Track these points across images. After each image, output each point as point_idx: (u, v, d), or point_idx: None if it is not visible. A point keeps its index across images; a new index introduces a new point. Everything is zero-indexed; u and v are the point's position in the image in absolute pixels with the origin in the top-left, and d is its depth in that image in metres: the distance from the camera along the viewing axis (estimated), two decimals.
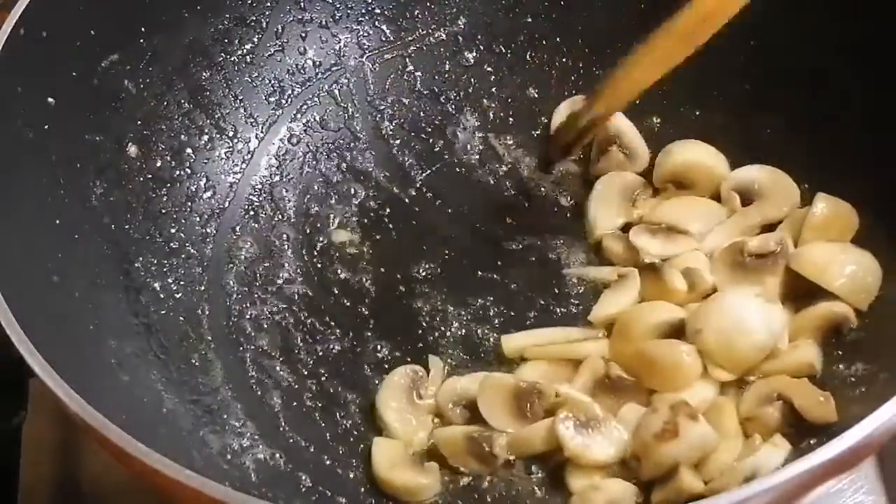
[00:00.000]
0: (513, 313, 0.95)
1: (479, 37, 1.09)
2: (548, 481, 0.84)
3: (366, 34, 1.08)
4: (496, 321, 0.94)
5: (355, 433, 0.88)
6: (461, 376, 0.89)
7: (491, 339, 0.93)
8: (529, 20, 1.09)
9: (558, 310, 0.95)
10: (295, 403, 0.90)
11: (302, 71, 1.07)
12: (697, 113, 1.02)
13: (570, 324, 0.93)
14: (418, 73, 1.09)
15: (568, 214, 1.01)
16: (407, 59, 1.09)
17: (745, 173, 0.96)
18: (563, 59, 1.08)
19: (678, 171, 0.98)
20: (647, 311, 0.90)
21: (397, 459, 0.84)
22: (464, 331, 0.94)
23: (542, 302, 0.95)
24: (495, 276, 0.97)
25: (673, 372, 0.85)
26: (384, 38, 1.09)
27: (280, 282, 0.98)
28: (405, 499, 0.84)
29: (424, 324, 0.94)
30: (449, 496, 0.84)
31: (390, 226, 1.02)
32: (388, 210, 1.03)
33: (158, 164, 0.98)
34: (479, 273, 0.97)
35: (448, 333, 0.94)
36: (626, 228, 0.97)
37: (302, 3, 1.06)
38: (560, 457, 0.82)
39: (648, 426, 0.79)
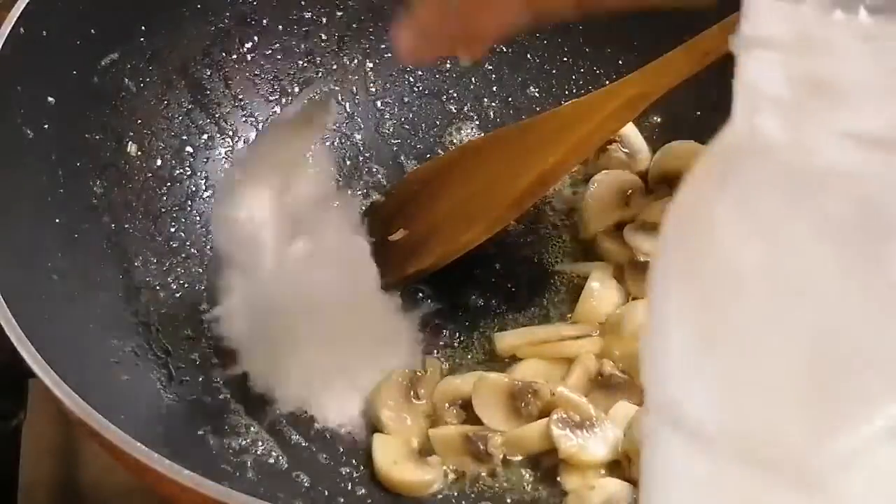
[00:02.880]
0: (508, 312, 0.95)
1: None
2: (545, 479, 0.84)
3: (367, 33, 1.08)
4: (492, 320, 0.94)
5: (354, 432, 0.88)
6: (457, 376, 0.89)
7: (486, 338, 0.93)
8: None
9: (553, 307, 0.95)
10: None
11: (302, 70, 1.07)
12: (698, 113, 1.02)
13: (564, 321, 0.93)
14: (419, 73, 1.09)
15: (564, 212, 1.01)
16: None
17: None
18: (564, 59, 1.08)
19: (673, 171, 0.98)
20: (639, 309, 0.90)
21: (399, 455, 0.84)
22: (460, 330, 0.94)
23: (537, 300, 0.95)
24: (491, 274, 0.97)
25: None
26: (385, 38, 1.09)
27: None
28: (407, 495, 0.84)
29: (421, 323, 0.94)
30: (449, 492, 0.84)
31: None
32: None
33: (158, 163, 0.98)
34: (476, 272, 0.97)
35: (444, 333, 0.94)
36: (620, 227, 0.97)
37: (303, 2, 1.06)
38: (556, 456, 0.82)
39: (640, 426, 0.79)
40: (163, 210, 0.97)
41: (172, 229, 0.97)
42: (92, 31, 0.91)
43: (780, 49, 0.39)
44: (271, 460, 0.85)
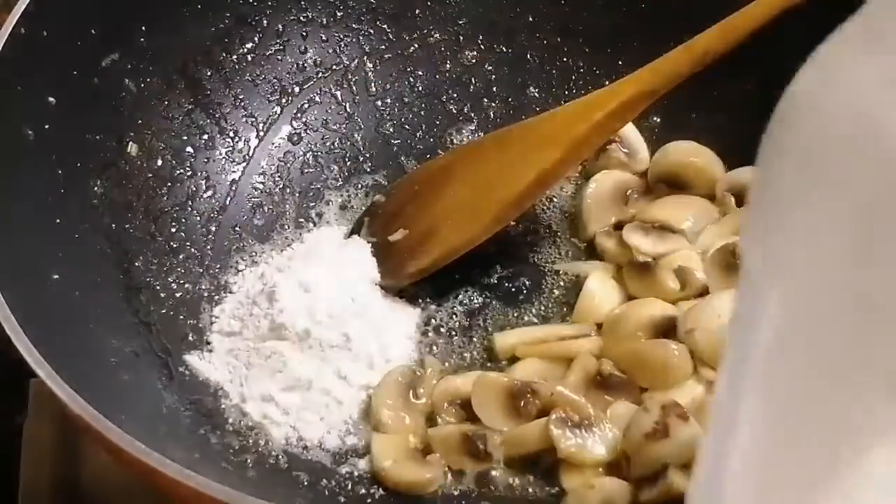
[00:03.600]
0: (507, 311, 0.95)
1: (480, 36, 1.09)
2: (544, 479, 0.84)
3: (366, 34, 1.09)
4: (491, 319, 0.94)
5: (354, 431, 0.88)
6: (456, 376, 0.89)
7: (486, 338, 0.93)
8: (530, 19, 1.09)
9: (552, 307, 0.95)
10: None
11: (302, 70, 1.07)
12: (698, 113, 1.02)
13: (564, 321, 0.93)
14: (419, 73, 1.09)
15: (563, 212, 1.01)
16: (407, 59, 1.09)
17: (740, 175, 0.96)
18: (564, 59, 1.08)
19: (672, 171, 0.99)
20: (638, 308, 0.90)
21: (399, 454, 0.85)
22: (460, 330, 0.94)
23: (537, 300, 0.95)
24: (491, 274, 0.97)
25: (663, 371, 0.85)
26: (385, 38, 1.09)
27: None
28: (407, 494, 0.84)
29: (421, 323, 0.94)
30: (449, 491, 0.84)
31: None
32: None
33: (159, 163, 0.98)
34: (476, 272, 0.97)
35: (443, 332, 0.94)
36: (619, 227, 0.97)
37: (303, 3, 1.06)
38: (555, 455, 0.82)
39: (639, 426, 0.79)
40: (163, 210, 0.97)
41: (172, 229, 0.97)
42: (92, 31, 0.91)
43: None
44: (271, 460, 0.85)
